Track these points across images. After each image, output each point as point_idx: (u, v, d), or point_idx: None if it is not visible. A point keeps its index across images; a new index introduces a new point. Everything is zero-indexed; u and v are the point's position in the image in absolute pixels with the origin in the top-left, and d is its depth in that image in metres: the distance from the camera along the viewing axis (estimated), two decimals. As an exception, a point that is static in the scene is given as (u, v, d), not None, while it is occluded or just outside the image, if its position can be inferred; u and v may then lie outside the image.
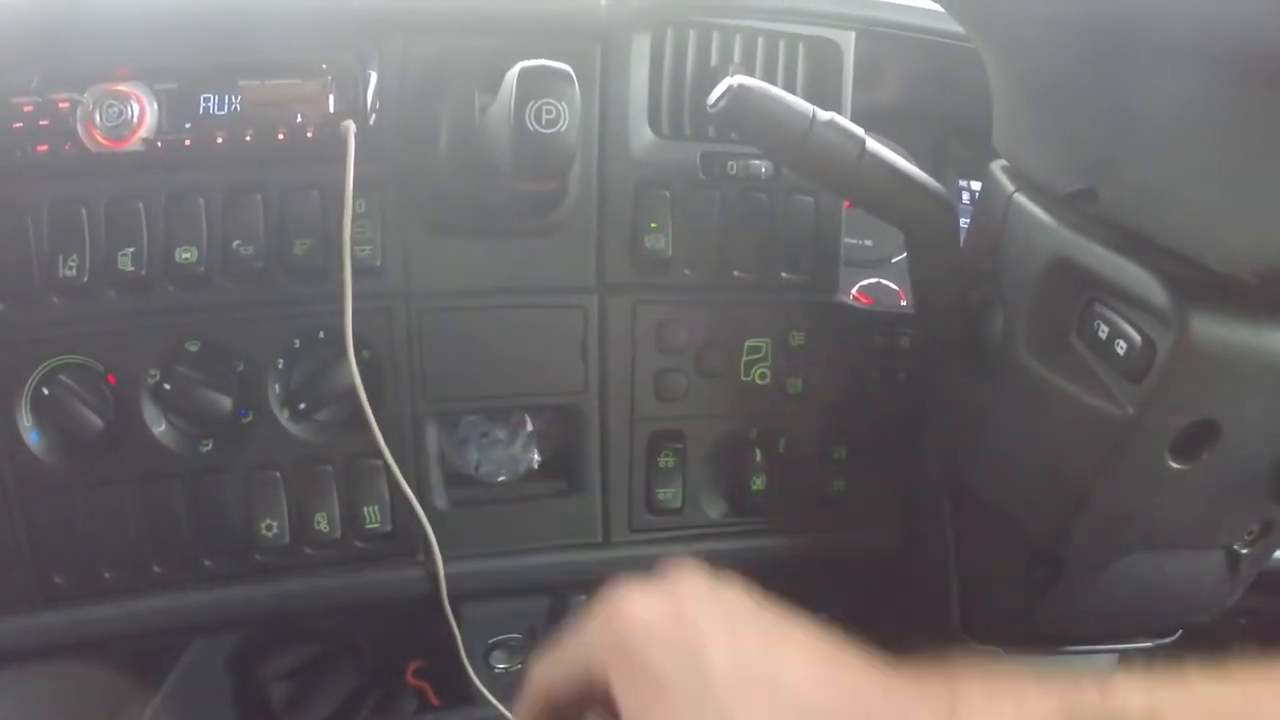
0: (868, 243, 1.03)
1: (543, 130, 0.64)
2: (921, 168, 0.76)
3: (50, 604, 0.76)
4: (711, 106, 0.71)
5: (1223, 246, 0.57)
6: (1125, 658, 0.94)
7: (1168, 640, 0.90)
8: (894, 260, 1.04)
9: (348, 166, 0.72)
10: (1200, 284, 0.58)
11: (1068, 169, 0.66)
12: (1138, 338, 0.61)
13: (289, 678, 1.02)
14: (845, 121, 0.73)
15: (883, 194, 0.75)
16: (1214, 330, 0.58)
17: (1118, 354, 0.63)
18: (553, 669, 0.47)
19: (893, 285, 1.04)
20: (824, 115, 0.71)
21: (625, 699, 0.42)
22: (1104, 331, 0.64)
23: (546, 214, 0.78)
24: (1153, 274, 0.59)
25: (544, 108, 0.63)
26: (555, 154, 0.65)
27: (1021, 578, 0.81)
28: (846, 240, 0.87)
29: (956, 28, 0.75)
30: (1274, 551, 0.80)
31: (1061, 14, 0.60)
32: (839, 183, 0.75)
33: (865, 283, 1.04)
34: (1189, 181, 0.57)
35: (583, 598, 0.91)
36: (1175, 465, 0.65)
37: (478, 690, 0.88)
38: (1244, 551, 0.78)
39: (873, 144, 0.73)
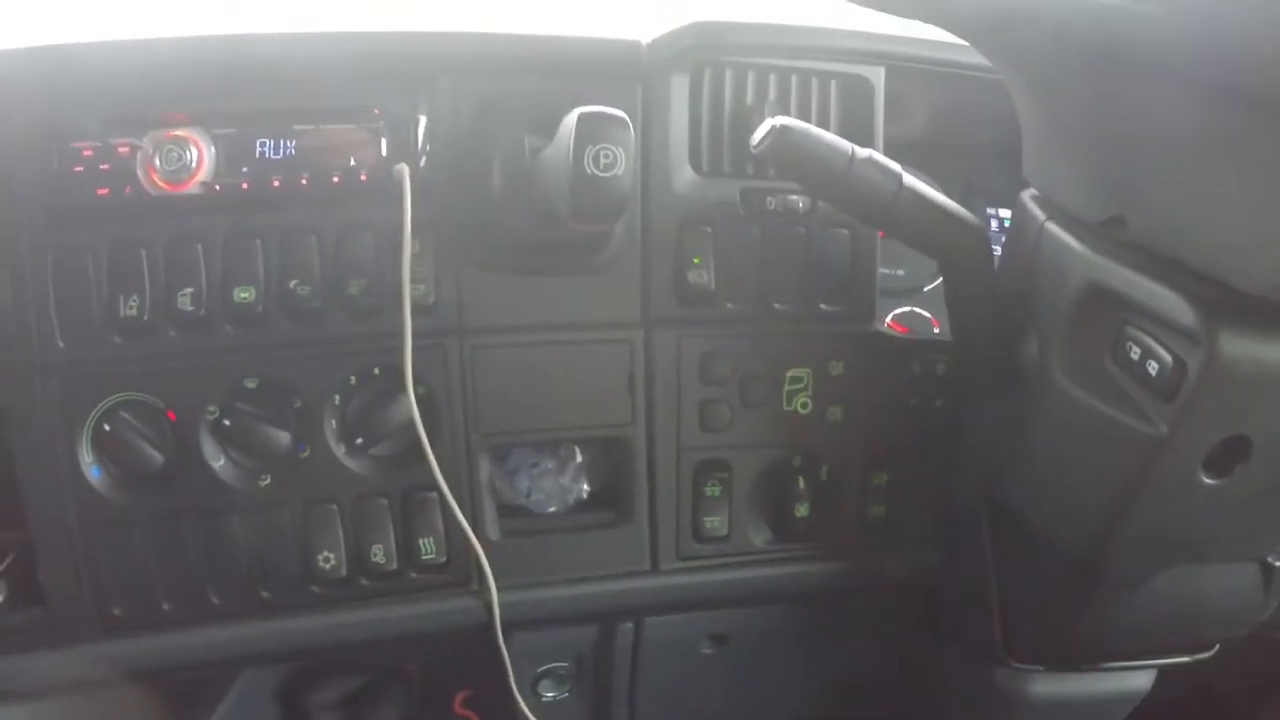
0: (900, 272, 1.05)
1: (600, 174, 0.66)
2: (950, 197, 0.78)
3: (109, 635, 0.78)
4: (755, 147, 0.73)
5: (1246, 267, 0.59)
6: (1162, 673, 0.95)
7: (1205, 655, 0.91)
8: (926, 289, 1.06)
9: (404, 208, 0.74)
10: (1228, 304, 0.60)
11: (1095, 197, 0.68)
12: (1169, 358, 0.63)
13: (337, 708, 1.03)
14: (882, 158, 0.75)
15: (919, 226, 0.77)
16: (1242, 348, 0.60)
17: (1150, 374, 0.65)
18: None
19: (925, 313, 1.06)
20: (863, 152, 0.73)
21: None
22: (1136, 353, 0.66)
23: (595, 252, 0.81)
24: (1182, 296, 0.61)
25: (602, 152, 0.66)
26: (612, 196, 0.67)
27: (1060, 596, 0.83)
28: (880, 270, 0.89)
29: (982, 60, 0.77)
30: (1309, 563, 0.81)
31: (1073, 45, 0.62)
32: (878, 216, 0.77)
33: (899, 311, 1.05)
34: (1209, 206, 0.59)
35: (629, 625, 0.93)
36: (1209, 481, 0.66)
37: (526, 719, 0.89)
38: (1278, 564, 0.80)
39: (909, 178, 0.75)
